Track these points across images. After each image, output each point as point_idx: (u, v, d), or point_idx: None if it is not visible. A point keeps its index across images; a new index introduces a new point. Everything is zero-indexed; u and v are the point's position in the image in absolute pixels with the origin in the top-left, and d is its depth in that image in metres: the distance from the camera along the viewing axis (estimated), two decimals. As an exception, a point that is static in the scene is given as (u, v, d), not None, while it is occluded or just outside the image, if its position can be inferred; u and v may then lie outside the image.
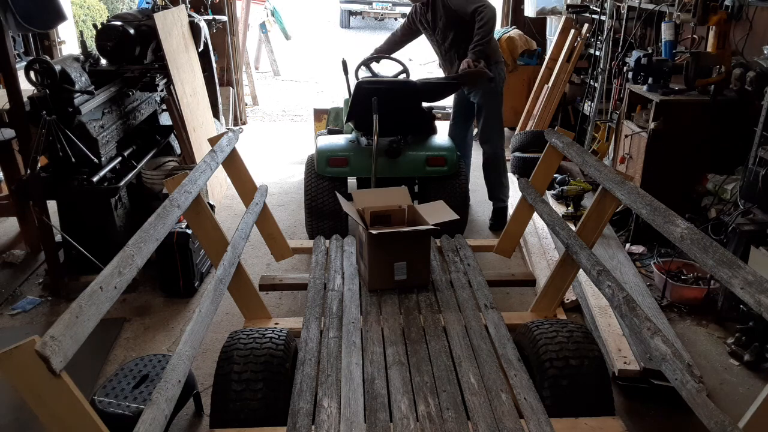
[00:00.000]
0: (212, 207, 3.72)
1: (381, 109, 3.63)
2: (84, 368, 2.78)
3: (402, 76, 4.19)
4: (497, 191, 4.45)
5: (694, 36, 4.27)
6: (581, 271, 2.55)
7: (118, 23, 3.90)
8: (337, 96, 7.43)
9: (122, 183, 3.46)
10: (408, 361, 2.21)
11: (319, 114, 5.63)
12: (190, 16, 4.86)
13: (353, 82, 3.92)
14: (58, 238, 3.54)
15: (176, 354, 1.78)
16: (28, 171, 3.23)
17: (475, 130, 4.75)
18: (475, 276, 2.83)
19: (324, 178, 3.77)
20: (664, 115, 3.77)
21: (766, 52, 3.34)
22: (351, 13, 15.03)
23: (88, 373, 2.78)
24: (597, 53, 5.26)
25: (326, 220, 3.75)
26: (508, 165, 5.58)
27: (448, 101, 5.06)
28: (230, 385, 2.02)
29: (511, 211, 4.12)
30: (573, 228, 2.68)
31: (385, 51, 4.37)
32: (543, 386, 2.09)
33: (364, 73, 4.25)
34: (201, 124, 4.59)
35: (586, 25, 5.68)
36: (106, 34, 3.83)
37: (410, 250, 2.67)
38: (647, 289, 3.35)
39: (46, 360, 1.24)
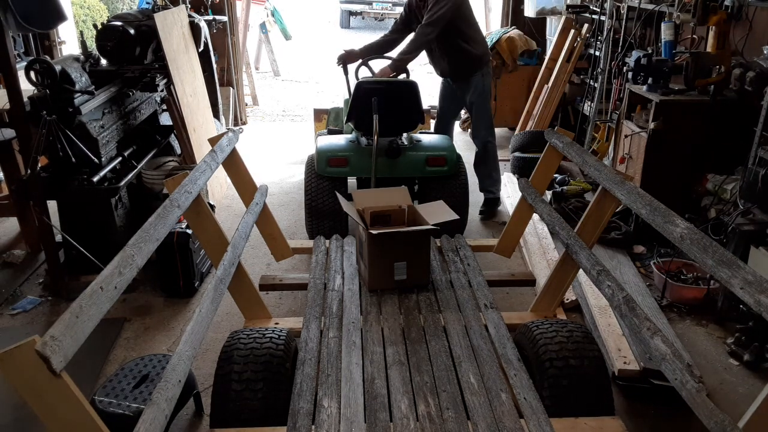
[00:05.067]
0: (212, 207, 3.72)
1: (381, 109, 3.63)
2: (84, 368, 2.78)
3: (402, 76, 4.20)
4: (486, 183, 4.63)
5: (694, 36, 4.27)
6: (581, 271, 2.55)
7: (119, 23, 3.90)
8: (337, 96, 7.43)
9: (122, 183, 3.46)
10: (408, 361, 2.21)
11: (319, 114, 5.64)
12: (190, 16, 4.86)
13: (353, 82, 3.93)
14: (58, 238, 3.54)
15: (176, 354, 1.78)
16: (29, 171, 3.23)
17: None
18: (475, 276, 2.83)
19: (324, 178, 3.77)
20: (664, 115, 3.77)
21: (765, 52, 3.34)
22: (351, 13, 15.02)
23: (89, 373, 2.79)
24: (597, 53, 5.26)
25: (326, 220, 3.75)
26: (508, 165, 5.59)
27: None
28: (230, 385, 2.02)
29: (509, 207, 4.16)
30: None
31: (379, 48, 4.36)
32: (543, 386, 2.09)
33: (364, 73, 4.25)
34: (201, 124, 4.59)
35: (585, 26, 5.68)
36: (106, 34, 3.83)
37: (410, 250, 2.67)
38: (647, 289, 3.36)
39: (46, 360, 1.24)
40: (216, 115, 5.44)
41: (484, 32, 7.10)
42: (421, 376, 2.11)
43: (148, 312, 3.35)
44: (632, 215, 4.01)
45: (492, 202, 4.64)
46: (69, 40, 6.08)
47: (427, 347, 2.29)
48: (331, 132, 4.47)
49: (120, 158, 3.65)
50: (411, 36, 4.15)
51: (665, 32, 4.17)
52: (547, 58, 6.13)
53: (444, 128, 4.71)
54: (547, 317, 2.76)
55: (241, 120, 7.23)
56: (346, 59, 4.29)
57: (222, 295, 2.24)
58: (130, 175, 3.57)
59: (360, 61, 4.28)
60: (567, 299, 3.29)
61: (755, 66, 3.37)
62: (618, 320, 2.98)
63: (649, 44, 4.77)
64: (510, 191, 4.88)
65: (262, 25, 9.36)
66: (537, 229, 4.10)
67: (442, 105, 4.73)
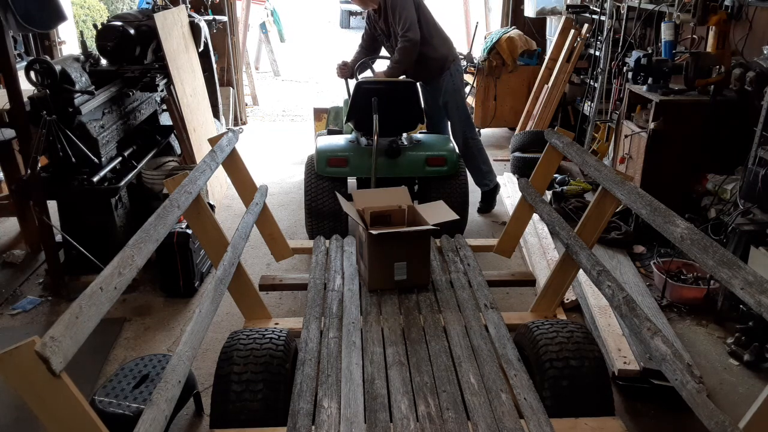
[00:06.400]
0: (212, 207, 3.72)
1: (381, 109, 3.63)
2: (84, 368, 2.78)
3: (401, 77, 4.20)
4: (478, 177, 4.62)
5: (694, 36, 4.27)
6: (581, 271, 2.54)
7: (119, 23, 3.90)
8: (337, 96, 7.43)
9: (122, 183, 3.46)
10: (408, 362, 2.20)
11: (318, 113, 5.64)
12: (190, 16, 4.86)
13: (353, 84, 3.93)
14: (58, 238, 3.54)
15: (176, 354, 1.78)
16: (29, 171, 3.23)
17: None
18: (475, 276, 2.82)
19: (324, 178, 3.77)
20: (664, 115, 3.77)
21: (765, 52, 3.34)
22: (351, 13, 15.04)
23: (89, 373, 2.79)
24: (597, 53, 5.26)
25: (326, 220, 3.75)
26: (508, 165, 5.60)
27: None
28: (230, 385, 2.02)
29: (509, 207, 4.16)
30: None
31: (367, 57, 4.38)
32: (543, 387, 2.09)
33: (365, 73, 4.26)
34: (201, 124, 4.59)
35: (586, 25, 5.68)
36: (106, 34, 3.83)
37: (410, 250, 2.66)
38: (647, 289, 3.36)
39: (46, 361, 1.24)
40: (216, 115, 5.45)
41: (484, 32, 7.15)
42: (421, 377, 2.11)
43: (148, 312, 3.34)
44: (632, 215, 4.01)
45: (488, 195, 4.65)
46: (69, 40, 6.08)
47: (427, 347, 2.29)
48: (330, 132, 4.47)
49: (120, 158, 3.65)
50: (400, 49, 4.14)
51: (665, 32, 4.17)
52: (547, 58, 6.13)
53: (436, 131, 4.70)
54: (547, 317, 2.76)
55: (241, 120, 7.23)
56: (344, 72, 4.34)
57: (222, 295, 2.24)
58: (130, 175, 3.57)
59: (360, 62, 4.29)
60: (567, 299, 3.29)
61: (755, 66, 3.36)
62: (618, 320, 2.98)
63: (649, 44, 4.77)
64: (510, 191, 4.88)
65: (262, 25, 9.36)
66: (537, 229, 4.10)
67: (426, 108, 4.70)
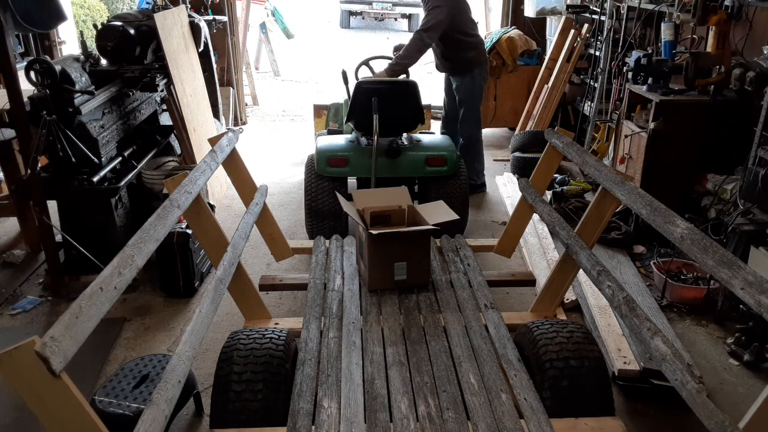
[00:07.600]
0: (212, 207, 3.72)
1: (381, 109, 3.63)
2: (84, 368, 2.78)
3: (402, 76, 4.20)
4: (471, 173, 4.77)
5: (694, 36, 4.27)
6: (581, 271, 2.54)
7: (119, 23, 3.90)
8: (337, 95, 7.43)
9: (122, 183, 3.46)
10: (408, 362, 2.20)
11: (318, 110, 5.63)
12: (190, 16, 4.86)
13: (353, 83, 3.93)
14: (58, 238, 3.54)
15: (176, 354, 1.78)
16: (29, 171, 3.23)
17: None
18: (475, 276, 2.82)
19: (324, 178, 3.77)
20: (664, 115, 3.77)
21: (765, 52, 3.34)
22: (351, 13, 15.00)
23: (89, 373, 2.79)
24: (597, 53, 5.26)
25: (326, 220, 3.75)
26: (508, 165, 5.60)
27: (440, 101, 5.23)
28: (230, 386, 2.02)
29: (509, 207, 4.16)
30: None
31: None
32: (543, 387, 2.09)
33: (364, 73, 4.25)
34: (201, 124, 4.59)
35: (586, 25, 5.68)
36: (106, 34, 3.83)
37: (410, 250, 2.66)
38: (647, 289, 3.36)
39: (45, 361, 1.24)
40: (216, 115, 5.44)
41: (484, 32, 7.15)
42: (421, 377, 2.11)
43: (148, 312, 3.34)
44: (632, 215, 4.00)
45: (472, 188, 4.79)
46: (69, 40, 6.08)
47: (427, 347, 2.29)
48: (330, 132, 4.47)
49: (120, 158, 3.65)
50: (408, 43, 4.18)
51: (665, 32, 4.17)
52: (547, 58, 6.13)
53: (452, 128, 4.83)
54: (547, 317, 2.76)
55: (241, 120, 7.23)
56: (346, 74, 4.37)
57: (222, 295, 2.24)
58: (130, 175, 3.57)
59: (360, 61, 4.29)
60: (567, 299, 3.29)
61: (755, 66, 3.36)
62: (618, 320, 2.98)
63: (649, 44, 4.77)
64: (510, 191, 4.88)
65: (262, 25, 9.35)
66: (537, 229, 4.10)
67: (446, 103, 4.89)
